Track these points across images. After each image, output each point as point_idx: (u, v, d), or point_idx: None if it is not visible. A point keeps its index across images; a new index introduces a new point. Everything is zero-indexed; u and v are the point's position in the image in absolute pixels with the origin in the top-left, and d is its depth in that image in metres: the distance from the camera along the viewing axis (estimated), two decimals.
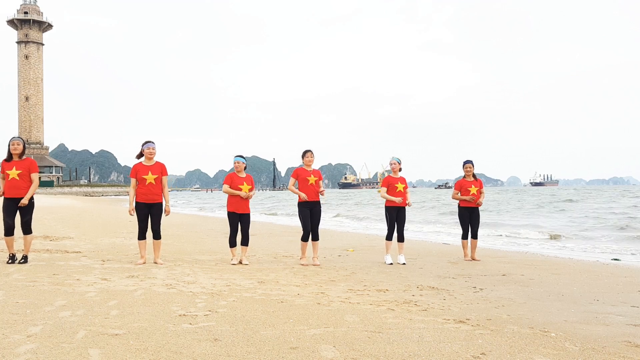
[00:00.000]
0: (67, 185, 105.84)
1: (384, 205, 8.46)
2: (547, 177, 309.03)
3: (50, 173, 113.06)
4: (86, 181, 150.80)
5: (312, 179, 7.85)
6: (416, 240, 13.09)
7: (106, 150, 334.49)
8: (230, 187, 7.72)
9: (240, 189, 7.69)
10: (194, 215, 26.66)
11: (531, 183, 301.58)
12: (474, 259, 8.65)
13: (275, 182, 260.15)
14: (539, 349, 3.59)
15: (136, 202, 7.41)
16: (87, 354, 3.26)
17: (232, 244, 7.79)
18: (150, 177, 7.31)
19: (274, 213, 30.82)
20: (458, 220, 8.95)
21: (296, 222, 22.64)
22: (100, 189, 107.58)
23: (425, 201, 49.22)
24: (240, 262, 7.71)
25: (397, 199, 8.13)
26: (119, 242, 10.53)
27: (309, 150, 8.06)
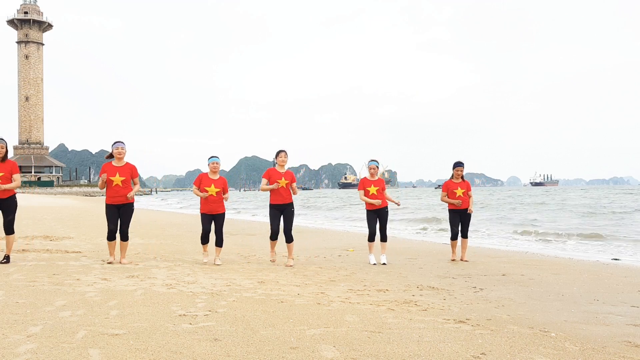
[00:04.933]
0: (67, 185, 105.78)
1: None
2: (547, 177, 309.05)
3: (50, 173, 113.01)
4: (86, 181, 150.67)
5: (282, 182, 7.68)
6: (416, 241, 13.09)
7: (106, 150, 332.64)
8: (197, 189, 7.63)
9: (207, 191, 7.54)
10: (194, 215, 26.65)
11: (531, 183, 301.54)
12: (462, 260, 8.53)
13: None
14: (539, 349, 3.59)
15: (107, 204, 7.30)
16: (87, 354, 3.26)
17: (204, 240, 7.71)
18: (117, 179, 7.17)
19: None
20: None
21: (297, 223, 22.63)
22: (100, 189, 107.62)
23: (425, 201, 49.23)
24: (214, 262, 7.69)
25: (376, 202, 8.12)
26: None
27: (283, 151, 7.83)
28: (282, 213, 7.83)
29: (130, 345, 3.45)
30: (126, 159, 7.42)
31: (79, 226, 15.15)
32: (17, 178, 7.12)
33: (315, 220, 24.82)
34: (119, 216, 7.36)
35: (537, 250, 11.29)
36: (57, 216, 20.17)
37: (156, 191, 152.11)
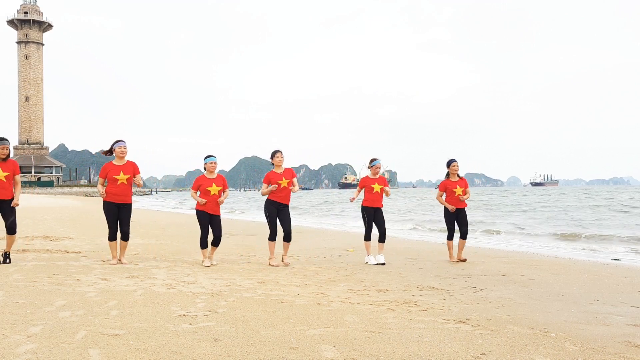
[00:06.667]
0: (67, 186, 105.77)
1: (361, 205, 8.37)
2: (547, 177, 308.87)
3: (50, 173, 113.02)
4: (86, 181, 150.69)
5: (284, 182, 7.64)
6: (416, 241, 13.09)
7: None
8: (195, 193, 7.57)
9: (209, 191, 7.46)
10: (193, 215, 26.65)
11: (531, 183, 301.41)
12: (460, 259, 8.44)
13: None
14: (539, 349, 3.59)
15: (106, 202, 7.27)
16: (87, 354, 3.26)
17: (204, 245, 7.57)
18: (122, 177, 7.18)
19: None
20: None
21: (296, 223, 22.61)
22: None
23: (425, 201, 49.24)
24: (209, 260, 7.60)
25: (377, 186, 8.07)
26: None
27: (279, 151, 7.76)
28: (279, 211, 7.73)
29: (130, 345, 3.45)
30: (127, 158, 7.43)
31: (79, 226, 15.15)
32: (19, 180, 7.17)
33: (315, 220, 24.82)
34: (119, 216, 7.33)
35: (537, 250, 11.29)
36: (57, 216, 20.17)
37: (156, 191, 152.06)
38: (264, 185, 7.71)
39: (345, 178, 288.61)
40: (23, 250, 8.59)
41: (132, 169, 7.32)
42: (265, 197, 7.84)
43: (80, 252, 8.69)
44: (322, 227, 18.97)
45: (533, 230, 17.39)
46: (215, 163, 7.64)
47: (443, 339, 3.78)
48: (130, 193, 7.37)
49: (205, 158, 7.68)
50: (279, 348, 3.49)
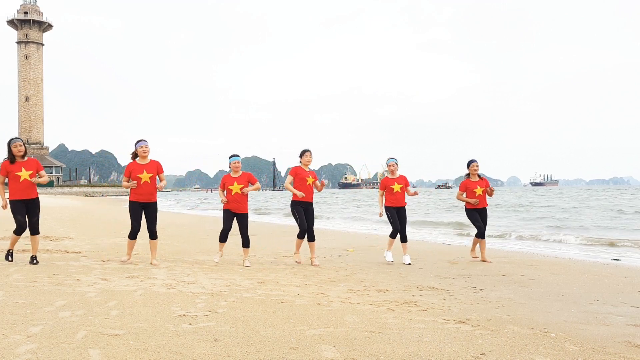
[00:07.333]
0: (67, 186, 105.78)
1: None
2: (547, 177, 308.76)
3: (50, 173, 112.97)
4: (86, 181, 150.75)
5: (310, 180, 7.82)
6: (416, 240, 13.09)
7: (106, 150, 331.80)
8: (222, 192, 7.72)
9: (230, 190, 7.61)
10: (193, 215, 26.66)
11: (531, 183, 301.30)
12: (484, 260, 8.47)
13: (275, 182, 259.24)
14: (539, 349, 3.59)
15: (131, 202, 7.34)
16: (87, 354, 3.26)
17: (222, 238, 7.72)
18: (145, 176, 7.23)
19: (269, 212, 30.88)
20: (468, 220, 8.77)
21: (295, 222, 22.57)
22: (100, 189, 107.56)
23: (425, 201, 49.25)
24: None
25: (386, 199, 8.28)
26: (119, 242, 10.52)
27: (308, 150, 8.00)
28: (305, 211, 7.89)
29: (130, 346, 3.45)
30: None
31: (79, 226, 15.15)
32: (45, 175, 7.26)
33: (315, 220, 24.83)
34: (142, 215, 7.40)
35: (537, 250, 11.29)
36: (57, 216, 20.18)
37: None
38: (290, 177, 7.89)
39: (345, 178, 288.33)
40: (23, 250, 8.59)
41: (156, 167, 7.35)
42: (273, 198, 7.97)
43: (80, 252, 8.69)
44: (322, 227, 18.96)
45: (533, 230, 17.40)
46: (238, 162, 7.77)
47: (443, 339, 3.78)
48: (155, 192, 7.37)
49: (230, 158, 7.83)
50: (279, 348, 3.49)
